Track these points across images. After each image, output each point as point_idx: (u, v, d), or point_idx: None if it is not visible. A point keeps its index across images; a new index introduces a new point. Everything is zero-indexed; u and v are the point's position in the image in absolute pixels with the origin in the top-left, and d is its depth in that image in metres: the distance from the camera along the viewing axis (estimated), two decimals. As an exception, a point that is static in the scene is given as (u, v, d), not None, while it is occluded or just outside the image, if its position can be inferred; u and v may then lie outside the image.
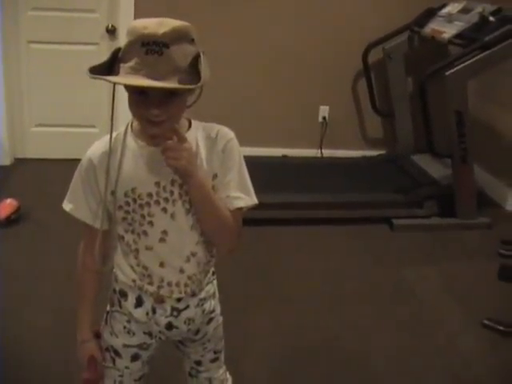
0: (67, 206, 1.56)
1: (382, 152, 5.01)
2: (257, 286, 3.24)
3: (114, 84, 1.39)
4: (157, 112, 1.34)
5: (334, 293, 3.25)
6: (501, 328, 2.96)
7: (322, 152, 4.98)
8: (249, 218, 3.42)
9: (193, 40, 1.35)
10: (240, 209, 1.53)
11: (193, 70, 1.33)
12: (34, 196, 3.99)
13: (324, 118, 4.93)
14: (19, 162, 4.66)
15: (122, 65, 1.34)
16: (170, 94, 1.34)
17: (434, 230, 4.02)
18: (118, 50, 1.37)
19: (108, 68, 1.37)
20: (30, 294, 3.00)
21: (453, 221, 4.07)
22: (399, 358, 2.75)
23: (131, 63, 1.31)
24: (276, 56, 4.70)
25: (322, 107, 4.92)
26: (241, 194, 1.52)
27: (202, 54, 1.34)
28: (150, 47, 1.28)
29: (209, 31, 4.27)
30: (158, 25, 1.29)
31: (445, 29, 4.09)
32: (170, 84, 1.29)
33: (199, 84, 1.30)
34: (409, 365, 2.71)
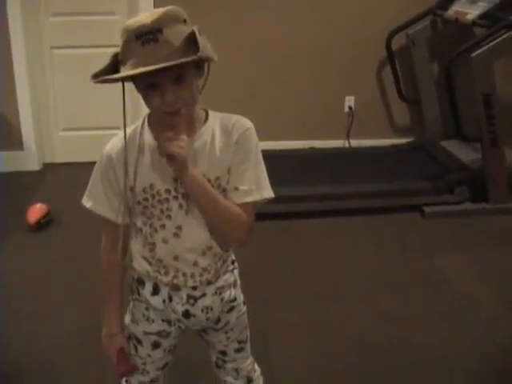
0: (87, 202, 1.56)
1: (410, 139, 4.93)
2: (284, 279, 3.22)
3: (123, 84, 1.41)
4: (171, 99, 1.34)
5: (365, 283, 3.21)
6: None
7: (349, 142, 4.93)
8: (276, 212, 3.43)
9: (185, 20, 1.34)
10: (250, 203, 1.49)
11: (191, 49, 1.30)
12: (63, 200, 4.01)
13: (350, 107, 4.88)
14: (48, 167, 4.71)
15: (122, 66, 1.33)
16: (178, 78, 1.34)
17: (466, 216, 3.94)
18: (117, 54, 1.36)
19: (111, 71, 1.36)
20: (61, 297, 3.03)
21: (485, 206, 3.99)
22: (433, 347, 2.70)
23: (132, 60, 1.30)
24: (300, 47, 4.66)
25: (347, 97, 4.87)
26: (251, 188, 1.48)
27: (197, 31, 1.32)
28: (145, 37, 1.28)
29: (233, 25, 4.34)
30: (147, 16, 1.29)
31: (468, 10, 4.00)
32: (171, 63, 1.27)
33: (199, 54, 1.27)
34: (444, 353, 2.66)
